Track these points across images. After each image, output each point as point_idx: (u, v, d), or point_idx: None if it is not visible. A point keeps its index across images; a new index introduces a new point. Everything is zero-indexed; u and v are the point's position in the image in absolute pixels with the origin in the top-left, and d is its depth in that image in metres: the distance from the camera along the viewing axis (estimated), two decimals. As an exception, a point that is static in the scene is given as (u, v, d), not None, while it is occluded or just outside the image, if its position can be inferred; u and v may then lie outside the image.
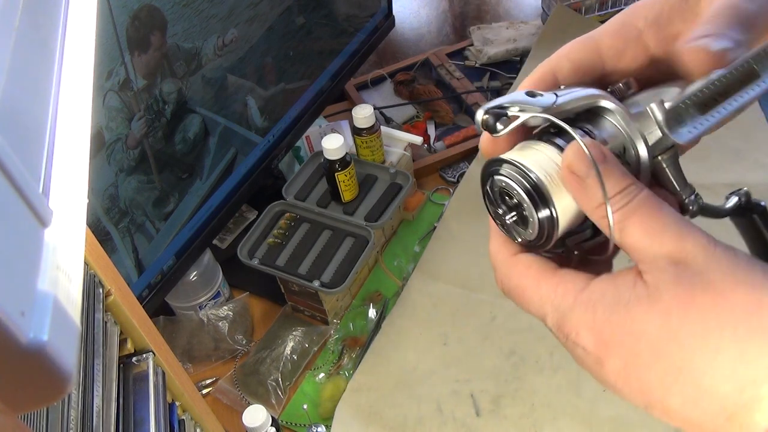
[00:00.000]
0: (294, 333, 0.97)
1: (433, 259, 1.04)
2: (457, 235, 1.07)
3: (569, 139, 0.32)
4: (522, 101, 0.32)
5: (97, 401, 0.46)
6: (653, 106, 0.31)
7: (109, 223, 0.78)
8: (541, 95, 0.33)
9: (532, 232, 0.33)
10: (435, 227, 1.10)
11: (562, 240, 0.35)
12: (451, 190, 1.16)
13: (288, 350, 0.95)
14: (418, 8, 1.51)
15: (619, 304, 0.30)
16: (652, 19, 0.36)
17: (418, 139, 1.13)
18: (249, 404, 0.81)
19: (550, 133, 0.33)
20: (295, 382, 0.94)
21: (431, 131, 1.29)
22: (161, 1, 0.76)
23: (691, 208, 0.33)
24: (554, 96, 0.32)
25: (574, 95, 0.33)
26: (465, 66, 1.40)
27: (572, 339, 0.31)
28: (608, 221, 0.30)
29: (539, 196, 0.32)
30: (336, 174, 0.99)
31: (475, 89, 1.33)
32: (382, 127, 1.10)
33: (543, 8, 1.41)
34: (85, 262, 0.49)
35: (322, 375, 0.94)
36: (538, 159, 0.32)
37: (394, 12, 1.30)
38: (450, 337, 0.95)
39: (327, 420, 0.89)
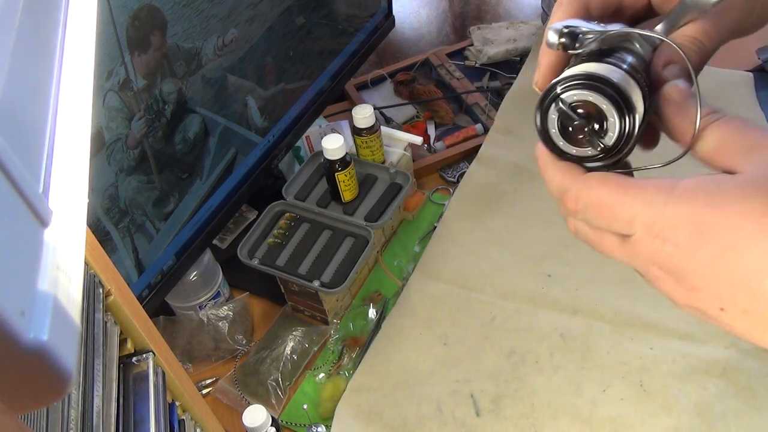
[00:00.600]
0: (294, 333, 0.97)
1: (433, 259, 1.04)
2: (457, 235, 1.07)
3: (618, 58, 0.36)
4: (584, 24, 0.37)
5: (97, 401, 0.46)
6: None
7: (109, 223, 0.78)
8: (595, 23, 0.37)
9: (612, 135, 0.36)
10: (435, 227, 1.10)
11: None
12: (451, 190, 1.16)
13: (288, 350, 0.95)
14: (418, 8, 1.51)
15: (721, 189, 0.30)
16: None
17: (418, 139, 1.14)
18: (249, 404, 0.81)
19: (593, 56, 0.37)
20: (295, 382, 0.94)
21: (431, 131, 1.29)
22: (161, 1, 0.76)
23: None
24: (602, 26, 0.37)
25: (618, 29, 0.37)
26: (465, 66, 1.40)
27: (664, 235, 0.31)
28: (690, 133, 0.34)
29: (623, 98, 0.35)
30: (336, 174, 1.00)
31: (475, 89, 1.33)
32: (382, 127, 1.10)
33: (543, 8, 1.41)
34: (85, 262, 0.49)
35: (322, 375, 0.94)
36: (605, 69, 0.36)
37: (394, 12, 1.30)
38: (450, 337, 0.95)
39: (327, 420, 0.89)
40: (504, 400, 0.87)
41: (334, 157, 0.98)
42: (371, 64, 1.48)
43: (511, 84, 1.30)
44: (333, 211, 1.02)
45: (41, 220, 0.23)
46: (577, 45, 0.36)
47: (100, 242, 0.52)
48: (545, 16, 1.39)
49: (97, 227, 0.76)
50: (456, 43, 1.47)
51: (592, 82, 0.35)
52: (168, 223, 0.87)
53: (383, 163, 1.09)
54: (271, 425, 0.79)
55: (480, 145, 1.19)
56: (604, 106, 0.35)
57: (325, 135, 1.02)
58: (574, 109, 0.36)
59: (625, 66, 0.36)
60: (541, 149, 0.38)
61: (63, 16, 0.32)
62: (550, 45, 0.37)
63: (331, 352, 0.97)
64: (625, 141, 0.36)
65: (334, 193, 1.03)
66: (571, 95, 0.36)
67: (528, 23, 1.46)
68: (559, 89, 0.36)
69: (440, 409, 0.88)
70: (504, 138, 1.19)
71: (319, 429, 0.87)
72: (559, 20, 0.39)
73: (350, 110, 1.07)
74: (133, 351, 0.55)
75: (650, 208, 0.31)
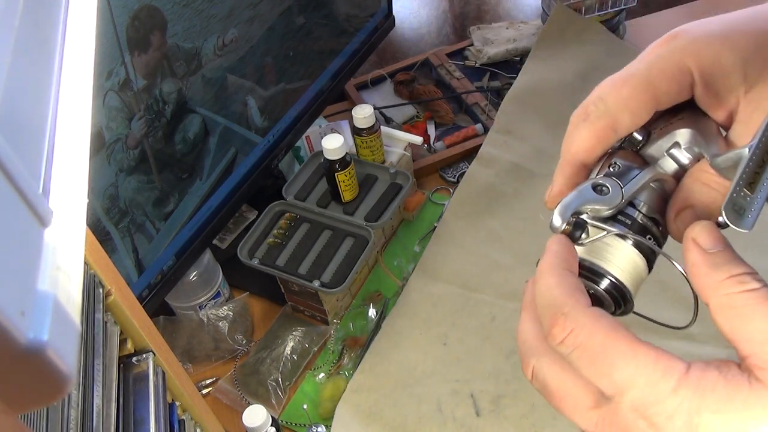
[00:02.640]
0: (294, 333, 0.97)
1: (433, 259, 1.04)
2: (457, 235, 1.07)
3: (627, 218, 0.34)
4: (593, 200, 0.33)
5: (97, 401, 0.46)
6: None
7: (109, 223, 0.78)
8: (608, 189, 0.33)
9: (609, 307, 0.35)
10: (435, 227, 1.10)
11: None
12: (451, 190, 1.16)
13: (288, 350, 0.95)
14: (418, 8, 1.51)
15: (734, 398, 0.27)
16: (704, 75, 0.34)
17: (418, 139, 1.14)
18: (249, 404, 0.81)
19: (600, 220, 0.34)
20: (295, 382, 0.94)
21: (431, 131, 1.29)
22: (161, 1, 0.76)
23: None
24: (619, 188, 0.33)
25: (635, 184, 0.34)
26: (465, 66, 1.40)
27: (653, 421, 0.28)
28: (723, 300, 0.29)
29: (618, 292, 0.34)
30: (336, 174, 0.99)
31: (475, 89, 1.33)
32: (382, 127, 1.10)
33: (543, 8, 1.41)
34: (85, 262, 0.49)
35: (322, 375, 0.94)
36: (603, 258, 0.34)
37: (394, 12, 1.30)
38: (450, 337, 0.95)
39: (327, 420, 0.89)
40: (504, 400, 0.87)
41: (334, 157, 0.98)
42: (371, 64, 1.47)
43: (511, 84, 1.30)
44: (333, 211, 1.02)
45: (41, 220, 0.23)
46: (582, 235, 0.33)
47: (100, 242, 0.52)
48: (545, 16, 1.39)
49: (97, 227, 0.76)
50: (456, 43, 1.47)
51: (587, 274, 0.34)
52: (168, 223, 0.87)
53: (383, 163, 1.09)
54: (271, 425, 0.79)
55: (480, 145, 1.19)
56: (601, 295, 0.34)
57: (325, 135, 1.02)
58: None
59: (630, 235, 0.33)
60: (558, 241, 0.33)
61: (63, 16, 0.32)
62: (552, 228, 0.34)
63: (331, 352, 0.97)
64: (622, 311, 0.35)
65: (334, 193, 1.03)
66: None
67: (528, 23, 1.46)
68: None
69: (440, 409, 0.88)
70: (504, 138, 1.19)
71: (319, 429, 0.87)
72: (582, 144, 0.35)
73: (350, 110, 1.07)
74: (133, 351, 0.55)
75: (652, 390, 0.28)
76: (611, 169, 0.35)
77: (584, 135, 0.35)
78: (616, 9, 1.35)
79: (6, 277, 0.20)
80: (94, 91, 0.53)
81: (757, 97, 0.33)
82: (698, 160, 0.34)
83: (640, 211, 0.34)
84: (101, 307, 0.50)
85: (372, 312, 0.99)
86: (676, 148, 0.34)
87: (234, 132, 0.95)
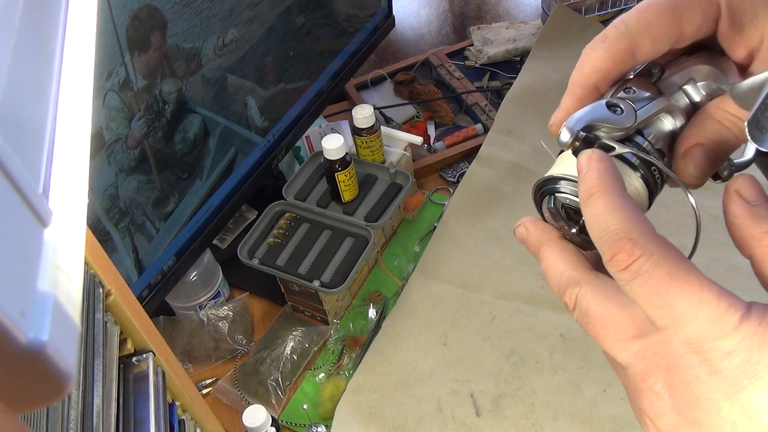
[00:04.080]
0: (294, 333, 0.97)
1: (433, 259, 1.04)
2: (457, 235, 1.07)
3: (632, 148, 0.32)
4: (605, 118, 0.32)
5: (97, 401, 0.46)
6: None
7: (109, 223, 0.78)
8: (622, 110, 0.32)
9: None
10: (435, 227, 1.10)
11: None
12: (451, 190, 1.16)
13: (288, 350, 0.95)
14: (418, 8, 1.51)
15: None
16: (731, 8, 0.33)
17: (418, 139, 1.14)
18: (249, 404, 0.81)
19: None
20: (295, 382, 0.94)
21: (431, 131, 1.29)
22: (161, 1, 0.76)
23: (725, 173, 0.34)
24: (633, 111, 0.32)
25: (648, 111, 0.33)
26: (465, 66, 1.41)
27: (708, 357, 0.27)
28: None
29: None
30: (336, 174, 0.99)
31: (475, 89, 1.33)
32: (382, 127, 1.10)
33: (543, 8, 1.41)
34: (85, 262, 0.49)
35: (322, 375, 0.94)
36: None
37: (394, 12, 1.30)
38: (450, 337, 0.95)
39: (327, 420, 0.89)
40: (504, 400, 0.87)
41: (334, 157, 0.98)
42: (371, 64, 1.48)
43: (511, 84, 1.30)
44: (333, 211, 1.03)
45: (41, 220, 0.23)
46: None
47: (100, 242, 0.52)
48: (545, 16, 1.39)
49: (97, 227, 0.76)
50: (456, 43, 1.47)
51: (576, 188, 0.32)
52: (168, 223, 0.87)
53: (383, 163, 1.09)
54: (271, 425, 0.79)
55: (480, 145, 1.19)
56: None
57: (325, 135, 1.02)
58: (566, 209, 0.34)
59: (635, 162, 0.32)
60: (600, 158, 0.31)
61: (63, 16, 0.32)
62: (560, 144, 0.32)
63: (331, 352, 0.97)
64: None
65: (334, 193, 1.03)
66: (563, 197, 0.33)
67: (528, 23, 1.46)
68: (552, 186, 0.33)
69: (440, 409, 0.88)
70: (504, 138, 1.19)
71: (319, 429, 0.87)
72: (597, 64, 0.33)
73: (350, 110, 1.07)
74: (133, 351, 0.55)
75: (713, 326, 0.27)
76: (625, 93, 0.33)
77: (600, 55, 0.33)
78: (616, 9, 1.35)
79: (6, 277, 0.20)
80: (94, 91, 0.53)
81: None
82: (712, 98, 0.33)
83: (649, 141, 0.33)
84: (101, 307, 0.50)
85: (372, 312, 0.99)
86: (691, 84, 0.33)
87: (234, 132, 0.96)
